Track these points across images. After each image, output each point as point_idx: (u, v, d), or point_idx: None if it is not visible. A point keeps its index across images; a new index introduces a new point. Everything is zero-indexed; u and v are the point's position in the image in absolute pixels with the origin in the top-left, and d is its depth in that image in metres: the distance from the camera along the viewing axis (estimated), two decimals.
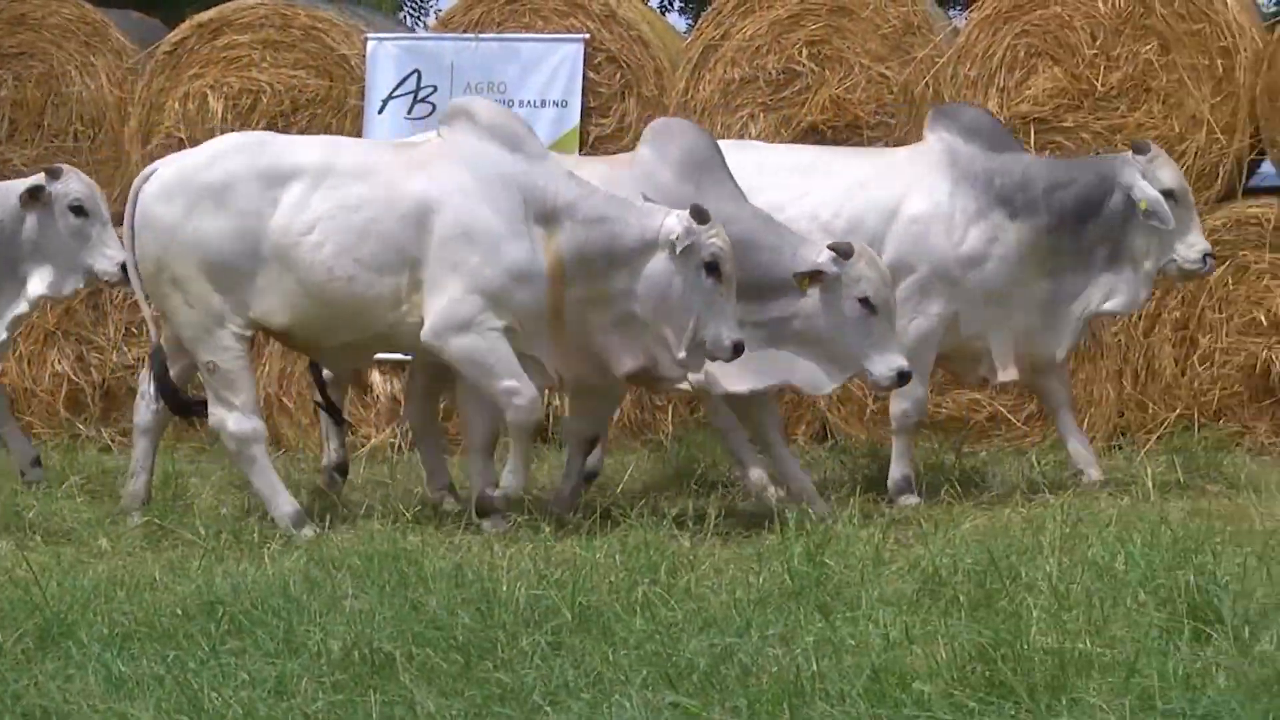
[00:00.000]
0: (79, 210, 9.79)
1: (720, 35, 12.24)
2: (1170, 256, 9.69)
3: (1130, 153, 9.77)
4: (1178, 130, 11.50)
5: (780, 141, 11.63)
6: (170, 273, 8.72)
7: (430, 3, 26.49)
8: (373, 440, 11.52)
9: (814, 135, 11.81)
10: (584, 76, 12.26)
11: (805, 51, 12.13)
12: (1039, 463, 10.37)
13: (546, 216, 8.62)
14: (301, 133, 11.68)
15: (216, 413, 8.75)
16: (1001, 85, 11.80)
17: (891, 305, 9.05)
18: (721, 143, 9.62)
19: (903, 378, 8.96)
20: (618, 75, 12.36)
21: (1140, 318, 11.29)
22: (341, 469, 9.78)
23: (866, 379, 9.15)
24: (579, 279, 8.62)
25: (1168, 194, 9.60)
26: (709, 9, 12.56)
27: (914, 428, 9.79)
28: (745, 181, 9.27)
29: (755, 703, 5.42)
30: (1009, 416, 11.68)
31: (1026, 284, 9.72)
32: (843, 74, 12.07)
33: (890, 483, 9.58)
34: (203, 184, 8.72)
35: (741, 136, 11.79)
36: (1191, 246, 9.68)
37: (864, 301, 8.89)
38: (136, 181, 8.97)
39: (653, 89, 12.29)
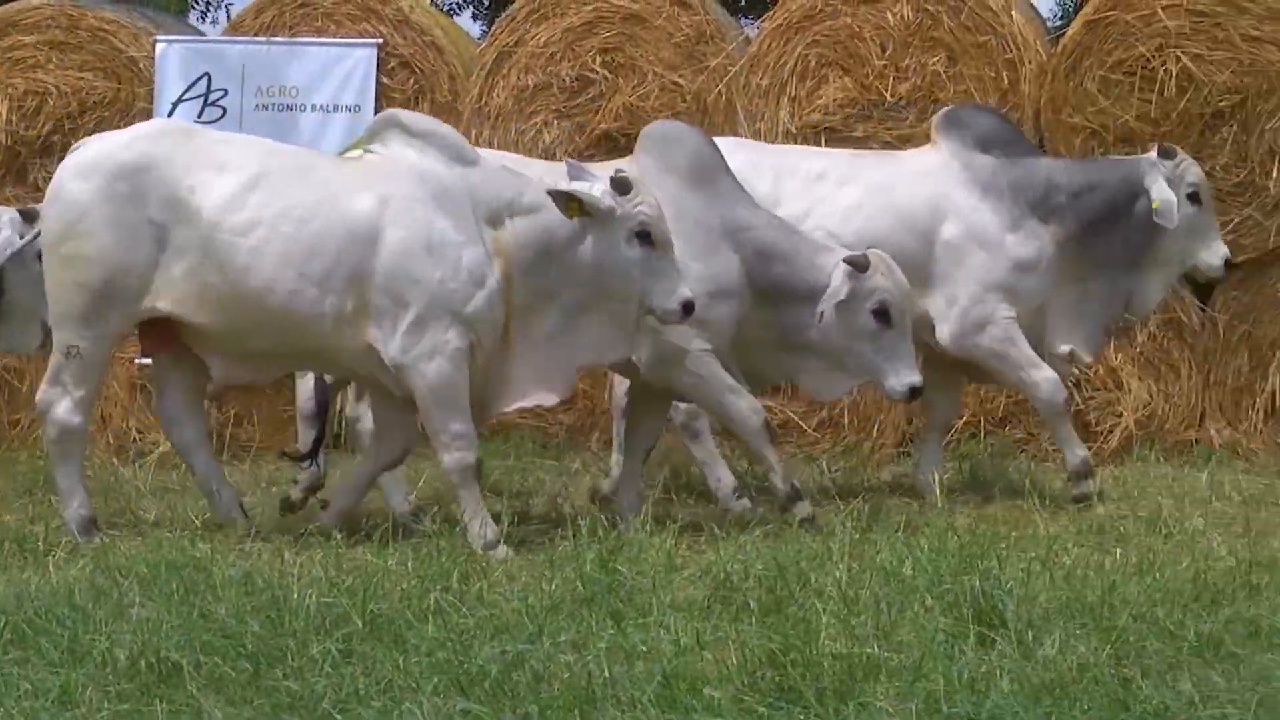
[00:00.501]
0: None
1: (514, 42, 12.24)
2: (1193, 261, 9.82)
3: (1154, 155, 9.84)
4: None
5: (573, 149, 11.64)
6: (69, 249, 8.41)
7: (220, 5, 26.19)
8: (160, 447, 11.35)
9: (607, 142, 11.83)
10: (377, 82, 12.21)
11: (599, 59, 12.16)
12: (829, 468, 10.47)
13: (492, 219, 8.41)
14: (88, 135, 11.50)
15: (50, 394, 8.46)
16: (793, 94, 11.89)
17: (909, 317, 8.96)
18: (728, 141, 9.74)
19: (914, 392, 8.89)
20: (411, 81, 12.32)
21: None
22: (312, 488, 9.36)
23: (881, 390, 9.04)
24: (523, 278, 8.40)
25: (1193, 198, 9.73)
26: (503, 15, 12.56)
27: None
28: (755, 188, 9.30)
29: (547, 709, 5.42)
30: (800, 423, 11.77)
31: (1056, 290, 9.76)
32: (636, 82, 12.10)
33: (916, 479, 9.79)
34: (120, 164, 8.42)
35: (535, 143, 11.81)
36: (1214, 252, 9.81)
37: (878, 314, 8.80)
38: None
39: (446, 94, 12.25)
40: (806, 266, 8.88)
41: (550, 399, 8.64)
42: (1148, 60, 11.51)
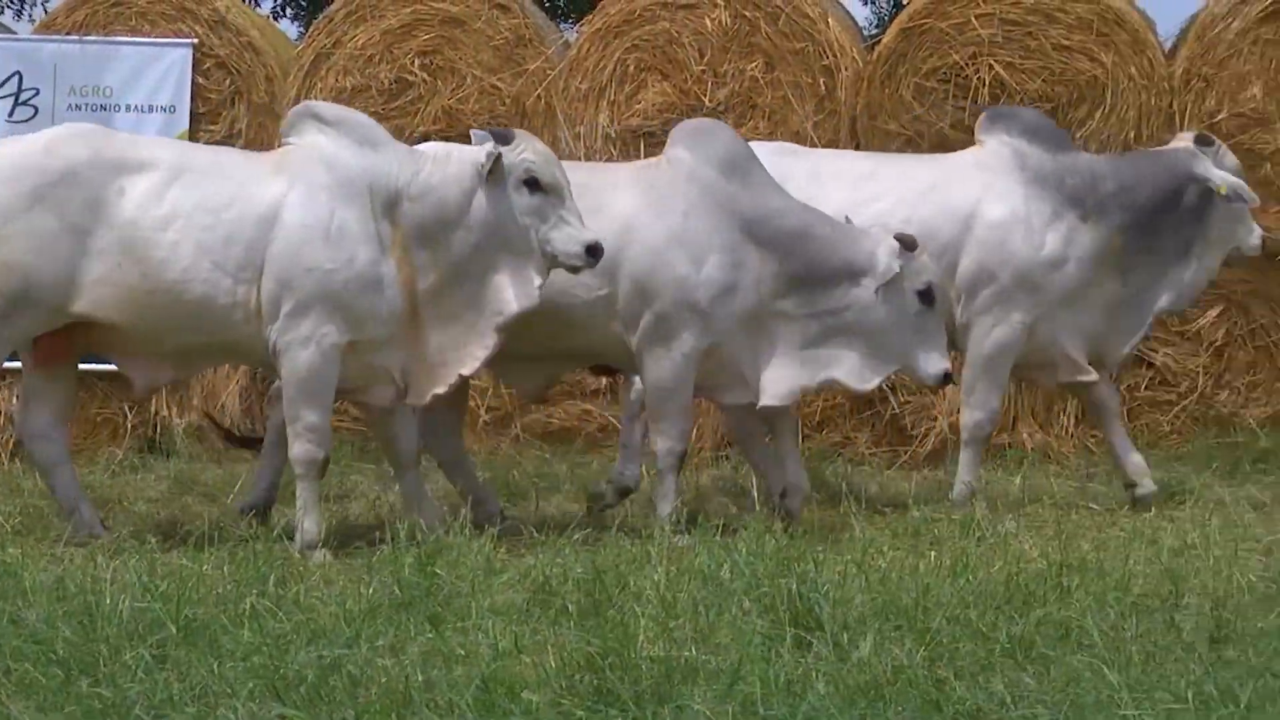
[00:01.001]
0: None
1: (332, 43, 12.17)
2: (1236, 243, 9.81)
3: (1193, 144, 9.84)
4: None
5: None
6: None
7: (36, 2, 25.85)
8: None
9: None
10: (192, 82, 12.08)
11: (417, 61, 12.11)
12: (648, 472, 10.49)
13: (391, 204, 8.39)
14: None
15: None
16: (612, 99, 11.92)
17: (947, 303, 9.09)
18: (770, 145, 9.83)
19: (946, 378, 8.99)
20: (227, 81, 12.21)
21: None
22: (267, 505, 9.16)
23: (913, 375, 9.13)
24: (423, 255, 8.39)
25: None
26: (321, 17, 12.48)
27: (986, 439, 9.80)
28: (803, 190, 9.27)
29: (363, 713, 5.39)
30: (620, 427, 11.78)
31: (1098, 284, 9.73)
32: (455, 84, 12.08)
33: (955, 493, 9.52)
34: (42, 170, 8.32)
35: None
36: (1252, 232, 9.82)
37: (923, 294, 8.89)
38: None
39: (263, 95, 12.16)
40: (846, 246, 8.94)
41: (473, 366, 8.54)
42: (961, 68, 11.66)
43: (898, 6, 23.00)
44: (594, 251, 8.36)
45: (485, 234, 8.39)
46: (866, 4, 27.21)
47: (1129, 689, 5.44)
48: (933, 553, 7.51)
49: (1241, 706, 5.31)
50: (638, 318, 8.83)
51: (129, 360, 8.49)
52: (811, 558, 7.11)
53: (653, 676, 5.61)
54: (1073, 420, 11.55)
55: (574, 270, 8.44)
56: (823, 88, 11.79)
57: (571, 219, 8.40)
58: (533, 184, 8.39)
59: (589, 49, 11.97)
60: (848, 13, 13.24)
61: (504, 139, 8.45)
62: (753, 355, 8.94)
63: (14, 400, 10.78)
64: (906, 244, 8.91)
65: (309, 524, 8.29)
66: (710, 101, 11.81)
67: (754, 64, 11.86)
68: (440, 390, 8.53)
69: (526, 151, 8.44)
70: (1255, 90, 11.60)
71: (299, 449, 8.34)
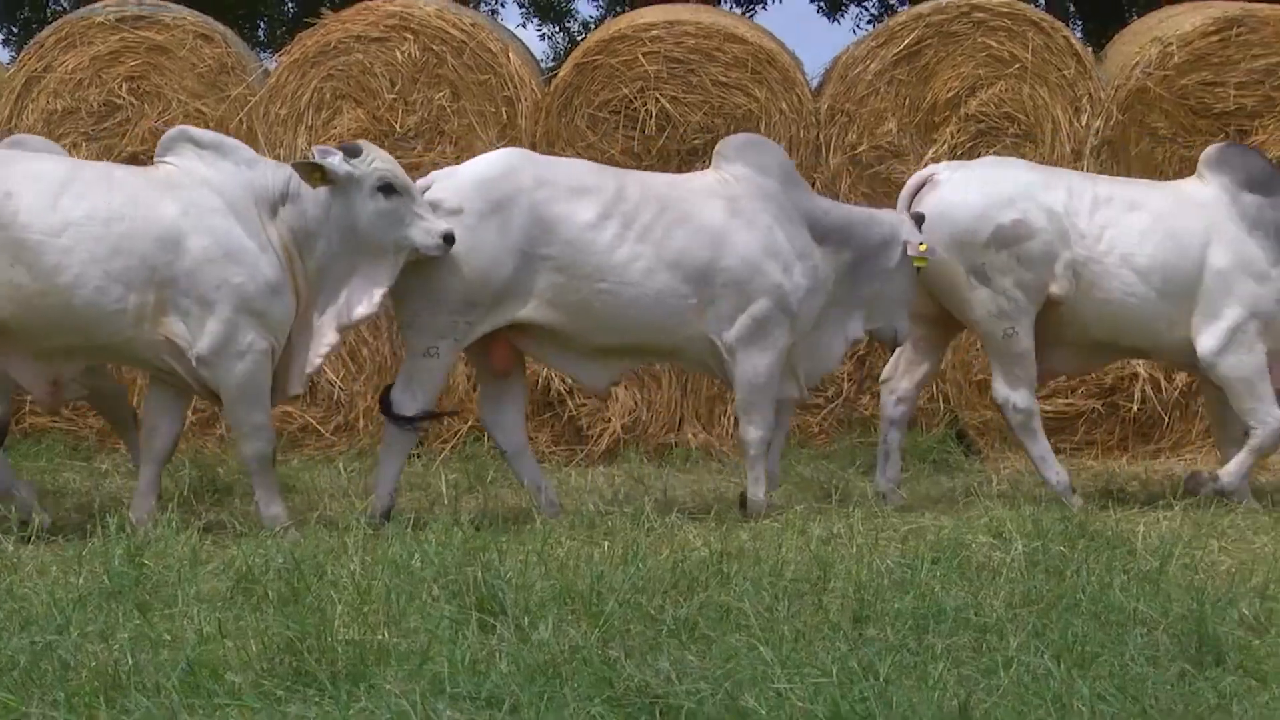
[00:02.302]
0: None
1: (43, 68, 11.91)
2: None
3: None
4: None
5: None
6: None
7: None
8: None
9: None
10: None
11: (125, 86, 11.91)
12: (345, 470, 10.42)
13: (271, 211, 8.50)
14: None
15: None
16: (310, 124, 11.83)
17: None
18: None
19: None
20: None
21: None
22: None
23: (887, 334, 9.47)
24: (299, 260, 8.50)
25: None
26: (32, 42, 12.23)
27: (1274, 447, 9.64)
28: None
29: (74, 696, 5.27)
30: (318, 428, 11.69)
31: None
32: (161, 108, 11.89)
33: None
34: None
35: None
36: None
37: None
38: None
39: None
40: (875, 228, 9.29)
41: (316, 364, 8.70)
42: (630, 100, 11.76)
43: (573, 43, 23.15)
44: (449, 239, 8.50)
45: (345, 239, 8.50)
46: (544, 40, 27.32)
47: (782, 665, 5.51)
48: (606, 542, 7.54)
49: (881, 680, 5.41)
50: (733, 321, 8.99)
51: (4, 356, 8.36)
52: (496, 548, 7.11)
53: (348, 658, 5.58)
54: (733, 421, 11.70)
55: (431, 255, 8.53)
56: (504, 116, 11.82)
57: (425, 213, 8.54)
58: (387, 189, 8.49)
59: (288, 77, 11.86)
60: (527, 48, 13.29)
61: (353, 151, 8.53)
62: (810, 348, 9.29)
63: None
64: (917, 219, 9.31)
65: (275, 510, 8.45)
66: (401, 128, 11.77)
67: (441, 93, 11.85)
68: (299, 389, 8.76)
69: (377, 160, 8.54)
70: (891, 125, 11.87)
71: (251, 448, 8.46)
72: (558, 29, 26.96)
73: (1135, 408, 11.65)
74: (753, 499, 9.01)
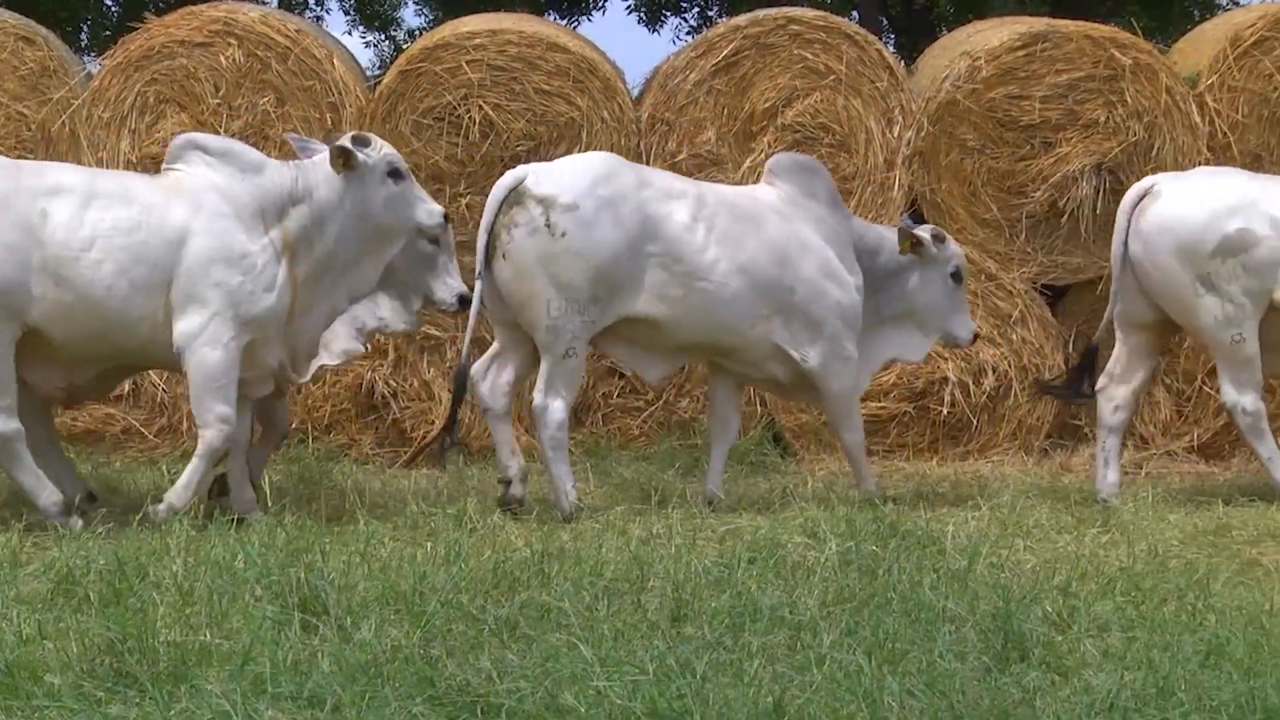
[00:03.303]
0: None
1: None
2: None
3: None
4: None
5: None
6: None
7: None
8: None
9: None
10: None
11: None
12: (169, 471, 10.28)
13: (280, 212, 8.73)
14: None
15: None
16: (133, 127, 11.68)
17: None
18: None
19: (975, 338, 10.06)
20: None
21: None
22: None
23: (951, 341, 10.02)
24: (306, 253, 8.75)
25: None
26: None
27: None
28: None
29: None
30: (142, 430, 11.55)
31: None
32: None
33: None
34: None
35: None
36: None
37: (955, 275, 9.81)
38: None
39: None
40: (886, 249, 9.74)
41: (339, 360, 9.17)
42: (454, 108, 11.73)
43: (398, 50, 23.05)
44: (446, 218, 8.98)
45: (354, 225, 8.80)
46: (369, 47, 27.17)
47: (601, 663, 5.52)
48: (429, 543, 7.53)
49: (698, 677, 5.44)
50: (813, 342, 9.43)
51: (36, 366, 8.52)
52: (319, 549, 7.07)
53: (169, 659, 5.52)
54: None
55: (427, 236, 9.03)
56: (329, 122, 11.73)
57: (422, 194, 8.95)
58: (395, 174, 8.86)
59: (111, 81, 11.71)
60: (352, 55, 13.21)
61: (363, 141, 8.86)
62: None
63: None
64: (937, 236, 9.81)
65: (186, 496, 8.48)
66: (226, 133, 11.63)
67: (266, 99, 11.75)
68: (304, 378, 9.04)
69: (385, 148, 8.92)
70: (710, 134, 11.93)
71: (211, 435, 8.54)
72: (383, 36, 26.83)
73: (945, 411, 11.80)
74: (865, 490, 9.51)
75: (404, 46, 20.20)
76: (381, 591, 6.38)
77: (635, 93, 12.32)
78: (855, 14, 20.48)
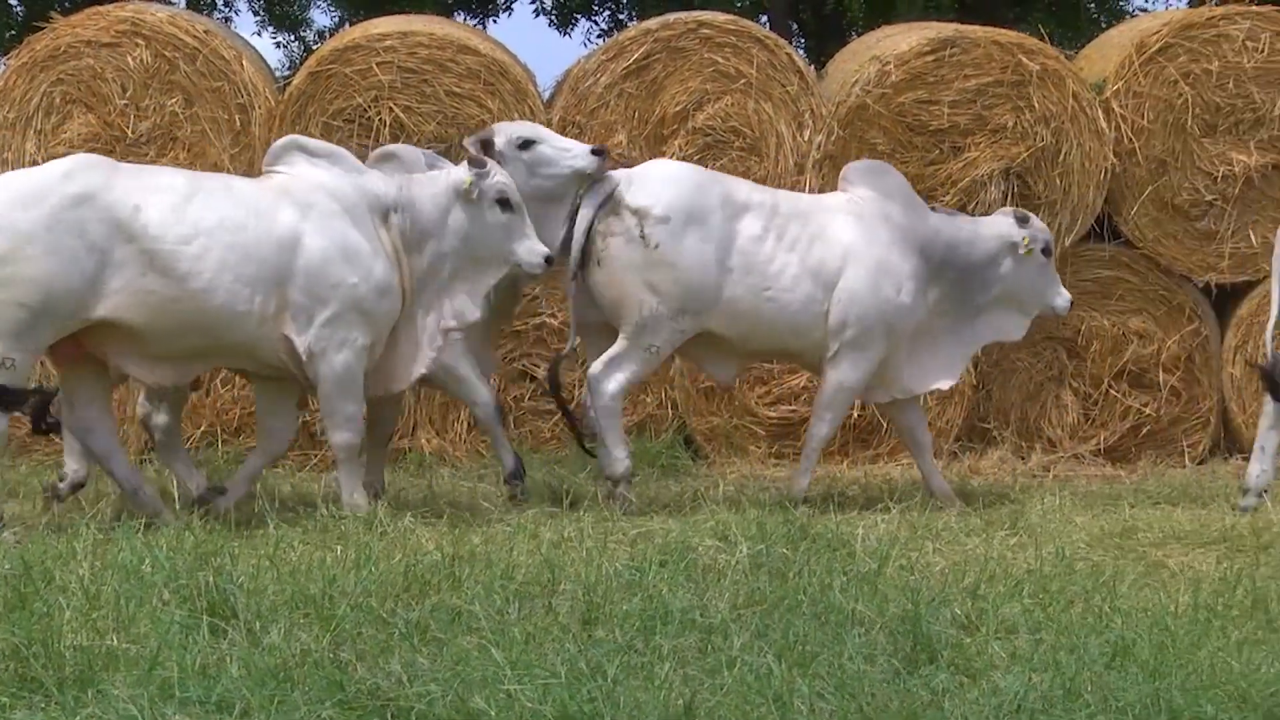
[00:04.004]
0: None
1: None
2: None
3: None
4: None
5: None
6: (9, 272, 8.24)
7: None
8: None
9: None
10: None
11: None
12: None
13: (384, 218, 8.89)
14: None
15: None
16: (39, 128, 11.60)
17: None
18: None
19: (1070, 305, 10.21)
20: None
21: None
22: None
23: (1051, 313, 10.26)
24: (407, 262, 8.88)
25: None
26: None
27: None
28: None
29: None
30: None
31: None
32: None
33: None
34: (64, 195, 8.33)
35: None
36: None
37: (1044, 250, 10.03)
38: None
39: None
40: (980, 242, 9.96)
41: (425, 363, 9.08)
42: (365, 109, 11.69)
43: (308, 52, 22.93)
44: (549, 260, 9.06)
45: (457, 244, 8.95)
46: (279, 48, 26.98)
47: (512, 666, 5.52)
48: (339, 546, 7.50)
49: (609, 680, 5.45)
50: (844, 328, 9.61)
51: (126, 358, 8.60)
52: (228, 552, 7.03)
53: (76, 664, 5.48)
54: (465, 427, 11.71)
55: (529, 274, 9.17)
56: (238, 124, 11.68)
57: (530, 233, 9.03)
58: (505, 203, 8.98)
59: (16, 81, 11.62)
60: (261, 56, 13.13)
61: (478, 163, 9.03)
62: (908, 357, 9.87)
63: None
64: (1021, 218, 10.04)
65: (358, 498, 8.79)
66: (133, 133, 11.58)
67: (174, 100, 11.68)
68: (403, 387, 9.20)
69: (499, 175, 9.04)
70: (621, 137, 11.95)
71: (340, 437, 8.81)
72: (292, 37, 26.63)
73: (855, 415, 11.84)
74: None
75: (314, 47, 20.13)
76: (291, 595, 6.35)
77: (546, 95, 12.31)
78: (765, 18, 20.52)
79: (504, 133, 9.62)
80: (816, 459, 9.92)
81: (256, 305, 8.58)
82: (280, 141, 9.18)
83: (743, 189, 9.74)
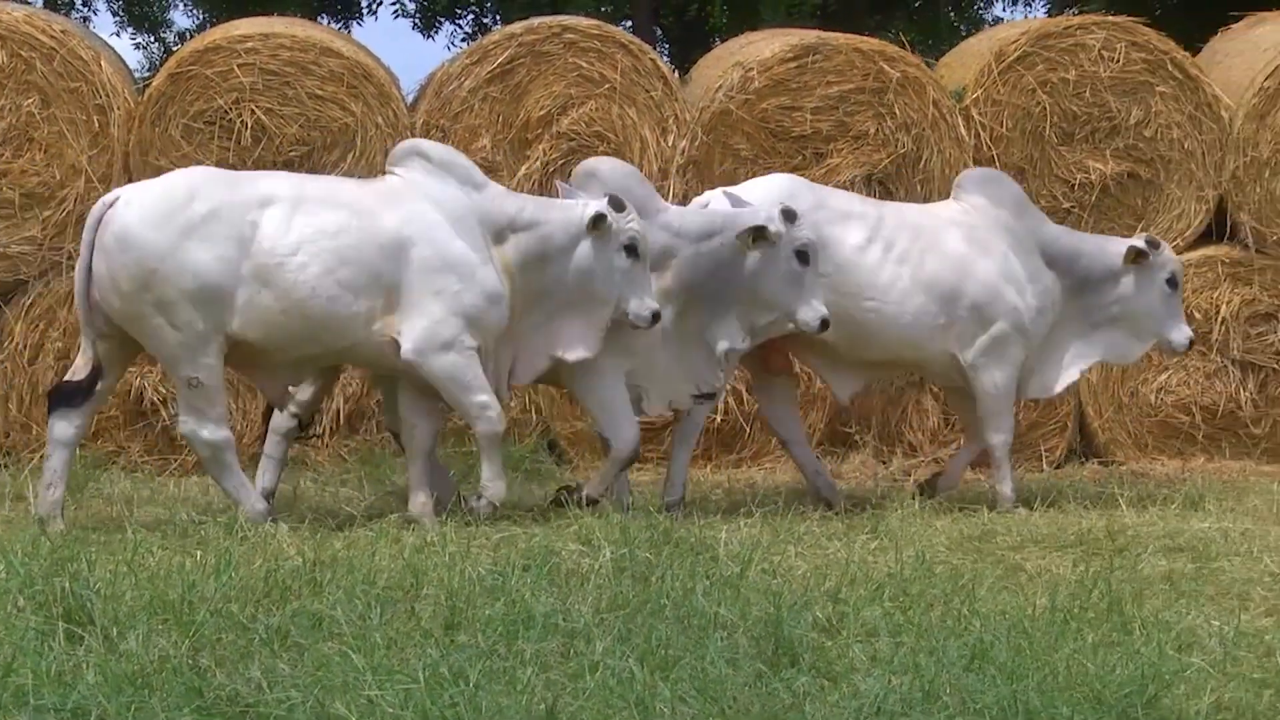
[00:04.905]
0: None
1: None
2: None
3: None
4: (59, 178, 11.48)
5: None
6: (154, 296, 8.41)
7: None
8: None
9: None
10: None
11: None
12: None
13: (498, 235, 8.93)
14: None
15: (188, 422, 8.55)
16: None
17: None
18: None
19: (1190, 344, 10.34)
20: None
21: None
22: None
23: (1165, 346, 10.34)
24: (521, 280, 8.95)
25: None
26: None
27: None
28: None
29: None
30: None
31: None
32: None
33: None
34: (192, 213, 8.49)
35: None
36: None
37: (1170, 281, 10.13)
38: (97, 208, 8.62)
39: None
40: (1105, 254, 10.17)
41: (522, 380, 9.31)
42: (225, 111, 11.60)
43: (168, 53, 22.71)
44: (657, 317, 9.06)
45: (575, 278, 9.02)
46: (139, 49, 26.73)
47: (373, 672, 5.50)
48: (199, 552, 7.45)
49: (471, 685, 5.44)
50: (975, 338, 9.87)
51: (257, 373, 8.95)
52: (84, 558, 6.94)
53: None
54: (328, 432, 11.63)
55: (634, 326, 9.08)
56: (97, 125, 11.55)
57: (647, 284, 9.08)
58: (632, 250, 9.01)
59: None
60: (120, 56, 12.99)
61: (619, 205, 9.01)
62: (1038, 359, 10.10)
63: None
64: (1151, 243, 10.16)
65: (499, 486, 8.98)
66: None
67: (30, 100, 11.54)
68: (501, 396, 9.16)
69: (634, 221, 9.04)
70: (485, 141, 11.93)
71: (482, 426, 8.91)
72: (152, 38, 26.40)
73: (719, 419, 11.89)
74: (1002, 495, 9.94)
75: (174, 49, 19.93)
76: (149, 601, 6.29)
77: (410, 99, 12.27)
78: (629, 23, 20.58)
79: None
80: (1009, 464, 10.15)
81: (361, 309, 8.69)
82: (402, 144, 9.31)
83: (842, 199, 10.00)
